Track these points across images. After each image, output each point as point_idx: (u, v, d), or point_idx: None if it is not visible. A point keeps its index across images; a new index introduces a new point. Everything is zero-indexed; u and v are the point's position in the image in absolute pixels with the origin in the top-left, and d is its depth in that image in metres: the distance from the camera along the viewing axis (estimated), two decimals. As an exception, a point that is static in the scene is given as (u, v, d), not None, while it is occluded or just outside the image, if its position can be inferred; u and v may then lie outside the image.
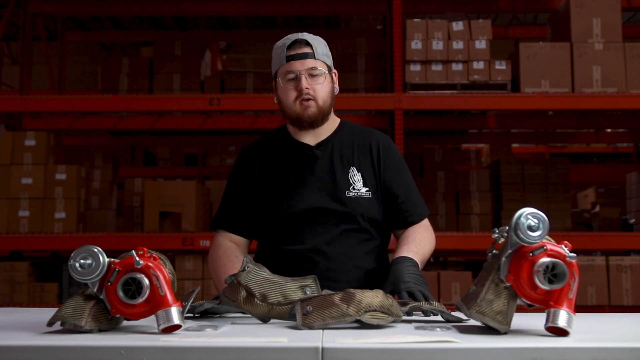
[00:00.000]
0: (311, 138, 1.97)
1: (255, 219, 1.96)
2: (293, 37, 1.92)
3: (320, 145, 1.96)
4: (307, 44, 1.90)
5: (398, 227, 1.97)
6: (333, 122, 2.01)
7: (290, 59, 1.89)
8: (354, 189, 1.90)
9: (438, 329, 1.25)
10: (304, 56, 1.89)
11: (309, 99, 1.88)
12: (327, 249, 1.87)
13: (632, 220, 6.02)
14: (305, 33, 1.94)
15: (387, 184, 1.94)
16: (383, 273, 1.93)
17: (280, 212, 1.90)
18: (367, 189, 1.92)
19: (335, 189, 1.90)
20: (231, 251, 1.92)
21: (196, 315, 1.54)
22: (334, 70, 1.97)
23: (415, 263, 1.77)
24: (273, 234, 1.93)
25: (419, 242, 1.88)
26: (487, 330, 1.23)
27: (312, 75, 1.88)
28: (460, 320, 1.40)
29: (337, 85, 1.98)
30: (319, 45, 1.92)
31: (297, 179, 1.93)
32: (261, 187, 1.94)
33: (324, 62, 1.91)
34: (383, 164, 1.96)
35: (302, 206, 1.89)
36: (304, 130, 1.96)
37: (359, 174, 1.93)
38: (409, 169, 2.04)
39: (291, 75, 1.88)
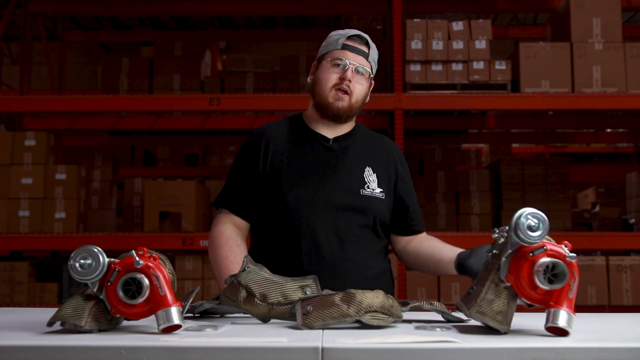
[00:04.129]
0: (328, 131, 1.96)
1: (261, 205, 1.91)
2: (355, 31, 1.95)
3: (337, 139, 1.96)
4: (366, 43, 1.93)
5: (403, 233, 2.00)
6: (351, 123, 2.00)
7: (346, 47, 1.90)
8: (368, 187, 1.90)
9: (438, 329, 1.25)
10: (360, 52, 1.91)
11: (345, 92, 1.89)
12: (337, 245, 1.83)
13: (632, 220, 6.02)
14: (365, 34, 1.96)
15: (400, 195, 1.97)
16: (385, 274, 1.95)
17: (289, 201, 1.85)
18: (381, 190, 1.92)
19: (351, 184, 1.88)
20: (233, 240, 1.89)
21: (196, 315, 1.54)
22: (372, 81, 1.97)
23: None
24: (277, 225, 1.88)
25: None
26: (487, 330, 1.23)
27: (357, 72, 1.90)
28: (460, 320, 1.40)
29: (369, 95, 1.98)
30: (374, 51, 1.95)
31: (311, 169, 1.89)
32: (272, 172, 1.90)
33: (371, 67, 1.94)
34: (399, 176, 1.98)
35: (315, 197, 1.85)
36: (324, 122, 1.95)
37: (374, 174, 1.93)
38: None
39: (340, 62, 1.89)
